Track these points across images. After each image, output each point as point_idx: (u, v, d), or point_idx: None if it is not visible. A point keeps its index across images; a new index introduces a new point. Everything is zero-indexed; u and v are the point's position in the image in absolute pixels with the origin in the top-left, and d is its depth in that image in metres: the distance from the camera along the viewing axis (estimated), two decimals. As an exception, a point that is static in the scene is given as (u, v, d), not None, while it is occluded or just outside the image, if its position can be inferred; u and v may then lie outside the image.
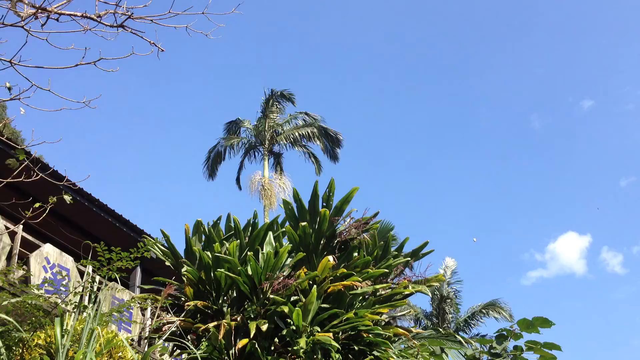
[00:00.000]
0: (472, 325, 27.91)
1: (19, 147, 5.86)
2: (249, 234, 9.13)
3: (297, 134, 26.23)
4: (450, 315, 27.46)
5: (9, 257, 11.54)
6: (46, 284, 7.69)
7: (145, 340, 12.57)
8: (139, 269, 15.83)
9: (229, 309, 8.25)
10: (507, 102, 64.09)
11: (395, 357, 8.03)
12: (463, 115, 66.40)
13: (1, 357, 4.80)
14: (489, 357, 6.07)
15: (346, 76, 66.55)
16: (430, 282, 9.34)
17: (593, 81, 62.41)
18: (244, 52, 66.86)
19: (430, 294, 9.54)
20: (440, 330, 13.18)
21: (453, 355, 10.20)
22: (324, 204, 9.11)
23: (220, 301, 8.41)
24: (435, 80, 66.01)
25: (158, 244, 9.13)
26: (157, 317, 8.93)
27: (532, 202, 64.95)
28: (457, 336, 11.81)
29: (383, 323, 9.09)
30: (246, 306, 8.14)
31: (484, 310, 27.85)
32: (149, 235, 15.38)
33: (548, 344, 5.59)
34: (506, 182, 63.81)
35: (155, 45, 5.42)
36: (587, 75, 62.47)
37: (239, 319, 7.89)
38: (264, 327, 7.52)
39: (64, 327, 4.68)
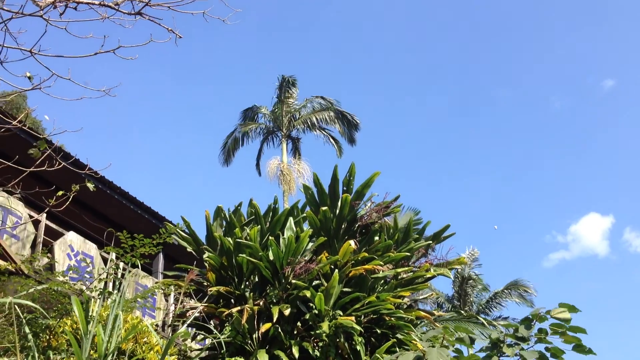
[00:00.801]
0: (494, 308, 27.83)
1: (41, 137, 5.90)
2: (269, 219, 9.16)
3: (314, 118, 26.14)
4: (471, 298, 27.37)
5: (34, 246, 11.69)
6: (71, 271, 7.79)
7: (169, 326, 12.69)
8: (161, 255, 15.93)
9: (251, 293, 8.30)
10: (527, 84, 63.31)
11: (417, 340, 8.03)
12: (482, 97, 65.80)
13: (29, 343, 4.86)
14: (513, 341, 6.01)
15: (363, 59, 66.20)
16: (452, 264, 9.32)
17: (614, 61, 61.37)
18: (259, 37, 66.72)
19: (452, 276, 9.52)
20: (462, 312, 13.16)
21: (476, 337, 10.19)
22: (345, 189, 9.10)
23: (242, 286, 8.45)
24: (453, 62, 65.43)
25: (179, 231, 9.19)
26: (181, 303, 9.00)
27: (554, 184, 64.34)
28: (479, 318, 11.81)
29: (405, 306, 9.10)
30: (268, 291, 8.17)
31: (506, 291, 27.74)
32: (170, 222, 15.49)
33: (573, 327, 5.51)
34: (527, 163, 63.20)
35: (173, 32, 5.41)
36: (608, 55, 61.46)
37: (261, 303, 7.94)
38: (287, 312, 7.55)
39: (90, 314, 4.73)
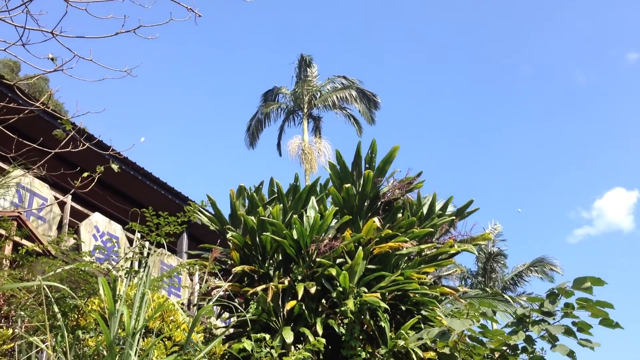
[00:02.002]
0: (518, 284, 27.71)
1: (65, 118, 5.93)
2: (291, 197, 9.16)
3: (335, 97, 26.02)
4: (496, 275, 27.27)
5: (60, 227, 11.84)
6: (97, 251, 7.87)
7: (195, 305, 12.83)
8: (185, 235, 16.07)
9: (276, 272, 8.33)
10: (550, 59, 62.31)
11: (442, 316, 8.02)
12: (505, 73, 64.92)
13: (58, 323, 4.93)
14: (539, 316, 5.96)
15: (385, 37, 65.62)
16: (476, 240, 9.26)
17: (637, 34, 60.00)
18: (279, 16, 66.40)
19: (476, 252, 9.46)
20: (487, 289, 13.12)
21: (501, 314, 10.16)
22: (367, 166, 9.06)
23: (266, 264, 8.49)
24: (475, 39, 64.54)
25: (203, 210, 9.23)
26: (205, 282, 9.08)
27: (578, 159, 63.57)
28: (504, 295, 11.77)
29: (429, 283, 9.07)
30: (292, 269, 8.20)
31: (531, 268, 27.61)
32: (194, 202, 15.58)
33: (600, 302, 5.45)
34: (551, 139, 62.45)
35: (192, 11, 5.38)
36: (632, 28, 60.09)
37: (286, 281, 7.97)
38: (313, 290, 7.58)
39: (117, 293, 4.77)
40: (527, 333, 6.21)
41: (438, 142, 66.67)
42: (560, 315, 6.07)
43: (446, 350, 7.22)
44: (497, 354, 6.91)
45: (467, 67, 63.05)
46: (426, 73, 65.21)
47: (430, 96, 65.12)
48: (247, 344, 6.82)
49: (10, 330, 5.00)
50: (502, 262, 27.74)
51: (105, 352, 4.44)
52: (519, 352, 6.66)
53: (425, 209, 9.13)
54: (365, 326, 7.73)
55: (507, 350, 6.75)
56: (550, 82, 62.08)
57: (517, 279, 28.18)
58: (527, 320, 6.22)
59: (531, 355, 6.47)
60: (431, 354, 7.63)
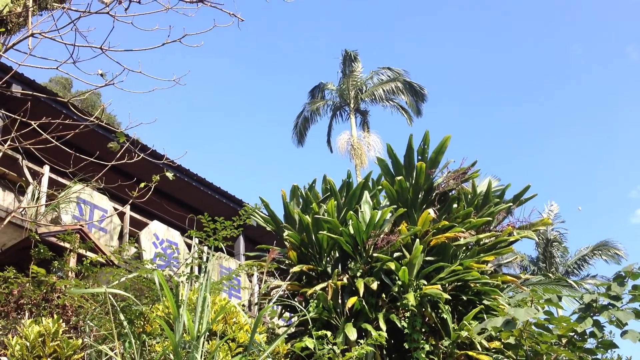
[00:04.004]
0: (582, 268, 26.99)
1: (119, 131, 6.08)
2: (344, 194, 9.15)
3: (381, 89, 25.83)
4: (557, 259, 26.63)
5: (121, 237, 12.15)
6: (158, 259, 8.04)
7: (256, 305, 12.97)
8: (242, 237, 16.26)
9: (334, 269, 8.34)
10: (601, 36, 60.42)
11: (505, 305, 7.88)
12: (555, 54, 63.33)
13: (125, 330, 5.06)
14: (606, 300, 5.78)
15: (431, 24, 64.90)
16: (535, 226, 9.07)
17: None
18: (320, 14, 66.44)
19: (536, 238, 9.24)
20: (550, 275, 12.82)
21: (566, 300, 9.91)
22: (419, 157, 8.97)
23: (323, 262, 8.51)
24: (522, 20, 63.14)
25: (258, 211, 9.32)
26: (264, 283, 9.17)
27: (636, 137, 61.43)
28: (567, 280, 11.47)
29: (490, 272, 8.93)
30: (350, 265, 8.19)
31: (595, 252, 26.86)
32: (248, 205, 15.76)
33: (670, 283, 5.25)
34: (607, 117, 60.58)
35: (235, 16, 5.43)
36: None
37: (344, 278, 7.97)
38: (374, 285, 7.56)
39: (180, 298, 4.86)
40: (595, 317, 6.04)
41: (489, 129, 65.58)
42: (628, 298, 5.89)
43: (511, 340, 7.10)
44: (564, 340, 6.76)
45: (514, 50, 61.79)
46: (472, 59, 64.18)
47: (477, 81, 64.10)
48: (309, 342, 6.86)
49: (80, 340, 5.15)
50: (562, 246, 27.06)
51: (172, 356, 4.54)
52: (587, 337, 6.50)
53: (481, 198, 8.98)
54: (427, 319, 7.67)
55: (575, 337, 6.59)
56: (602, 60, 60.24)
57: (581, 263, 27.46)
58: (595, 305, 6.05)
59: (600, 340, 6.30)
60: (496, 343, 7.51)
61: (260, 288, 10.44)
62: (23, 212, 9.77)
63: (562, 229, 27.40)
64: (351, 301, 7.56)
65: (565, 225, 28.05)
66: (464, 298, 8.11)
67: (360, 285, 7.49)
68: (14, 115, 5.85)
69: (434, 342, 7.63)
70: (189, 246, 13.13)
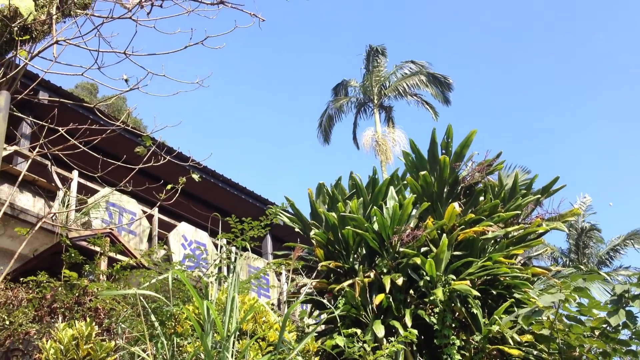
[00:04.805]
0: (615, 258, 26.58)
1: (145, 135, 6.15)
2: (370, 190, 9.13)
3: (404, 84, 25.70)
4: (589, 250, 26.26)
5: (150, 239, 12.29)
6: (187, 260, 8.12)
7: (285, 304, 13.02)
8: (269, 237, 16.35)
9: (361, 266, 8.33)
10: (625, 25, 59.36)
11: (536, 297, 7.79)
12: (578, 44, 62.41)
13: (156, 332, 5.11)
14: (639, 290, 5.70)
15: (453, 15, 64.42)
16: (565, 217, 8.95)
17: None
18: (340, 9, 66.34)
19: (566, 229, 9.12)
20: (581, 267, 12.65)
21: (597, 290, 9.77)
22: (443, 151, 8.92)
23: (350, 259, 8.51)
24: (545, 11, 62.35)
25: (284, 211, 9.35)
26: (292, 281, 9.19)
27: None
28: (599, 272, 11.29)
29: (519, 265, 8.84)
30: (377, 262, 8.18)
31: (627, 241, 26.40)
32: (274, 204, 15.81)
33: None
34: (634, 103, 59.49)
35: (256, 16, 5.45)
36: None
37: (371, 275, 7.95)
38: (400, 281, 7.53)
39: (209, 298, 4.90)
40: (628, 308, 5.96)
41: (516, 120, 64.89)
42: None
43: (543, 332, 7.03)
44: (597, 332, 6.67)
45: (537, 40, 61.01)
46: (496, 48, 63.55)
47: (501, 72, 63.45)
48: (339, 340, 6.86)
49: (113, 343, 5.22)
50: (595, 236, 26.64)
51: (203, 356, 4.57)
52: (620, 328, 6.41)
53: (508, 191, 8.89)
54: (457, 314, 7.62)
55: (608, 328, 6.50)
56: (626, 48, 59.20)
57: (613, 254, 27.02)
58: (627, 295, 5.96)
59: (633, 330, 6.21)
60: (528, 337, 7.43)
61: (288, 286, 10.48)
62: (54, 218, 9.93)
63: (594, 220, 27.01)
64: (378, 298, 7.54)
65: (597, 217, 27.64)
66: (494, 292, 8.04)
67: (387, 281, 7.47)
68: (42, 122, 5.95)
69: (464, 338, 7.57)
70: (217, 247, 13.23)
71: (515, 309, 7.64)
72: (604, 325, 6.45)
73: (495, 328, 7.28)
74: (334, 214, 8.45)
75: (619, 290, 5.93)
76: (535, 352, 7.42)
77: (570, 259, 26.31)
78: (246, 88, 66.43)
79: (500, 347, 7.28)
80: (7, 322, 6.83)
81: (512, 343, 7.27)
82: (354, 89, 27.46)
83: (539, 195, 8.99)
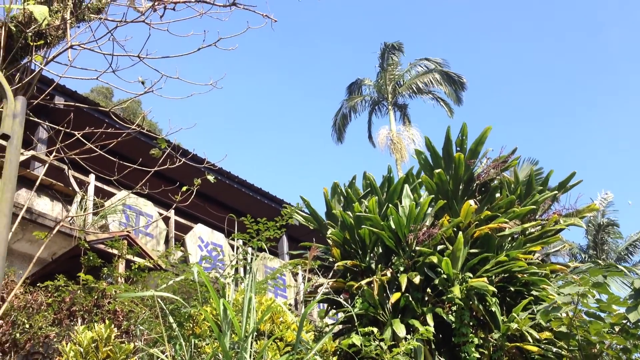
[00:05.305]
0: (634, 253, 26.34)
1: (160, 137, 6.18)
2: (386, 189, 9.11)
3: (418, 82, 25.60)
4: (608, 246, 26.04)
5: (167, 241, 12.36)
6: (204, 261, 8.15)
7: (302, 304, 13.03)
8: (285, 237, 16.37)
9: (377, 265, 8.31)
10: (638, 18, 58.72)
11: (554, 294, 7.73)
12: (593, 40, 61.88)
13: (175, 333, 5.14)
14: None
15: (468, 11, 64.14)
16: (582, 213, 8.87)
17: None
18: (353, 8, 66.28)
19: (584, 225, 9.03)
20: (600, 262, 12.54)
21: (616, 285, 9.67)
22: (458, 149, 8.88)
23: (367, 258, 8.49)
24: (561, 7, 61.89)
25: (299, 211, 9.35)
26: (309, 281, 9.19)
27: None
28: (618, 266, 11.17)
29: (537, 261, 8.77)
30: (394, 260, 8.16)
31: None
32: (289, 204, 15.84)
33: None
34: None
35: (268, 17, 5.47)
36: None
37: (388, 273, 7.94)
38: (416, 280, 7.51)
39: (227, 299, 4.91)
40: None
41: (530, 116, 64.45)
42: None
43: (562, 329, 6.97)
44: (617, 328, 6.61)
45: (553, 36, 60.54)
46: (512, 44, 63.16)
47: (516, 68, 63.04)
48: (356, 339, 6.85)
49: (132, 345, 5.25)
50: (614, 232, 26.41)
51: (221, 357, 4.59)
52: (640, 323, 6.34)
53: (523, 187, 8.83)
54: (475, 312, 7.58)
55: (628, 324, 6.44)
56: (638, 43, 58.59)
57: (632, 249, 26.78)
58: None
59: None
60: (547, 334, 7.38)
61: (304, 286, 10.48)
62: (71, 221, 10.01)
63: (615, 215, 26.78)
64: (395, 297, 7.52)
65: (618, 212, 27.40)
66: (512, 289, 7.99)
67: (403, 280, 7.45)
68: (58, 127, 6.00)
69: (482, 336, 7.53)
70: (232, 247, 13.27)
71: (534, 306, 7.60)
72: (624, 321, 6.39)
73: (513, 326, 7.24)
74: (349, 213, 8.45)
75: (638, 285, 5.88)
76: (554, 350, 7.37)
77: (589, 255, 26.11)
78: (260, 88, 66.59)
79: (519, 344, 7.23)
80: (27, 326, 6.90)
81: (531, 340, 7.22)
82: (368, 87, 27.43)
83: (556, 191, 8.92)
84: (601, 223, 25.86)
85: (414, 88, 25.99)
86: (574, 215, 8.80)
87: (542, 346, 7.30)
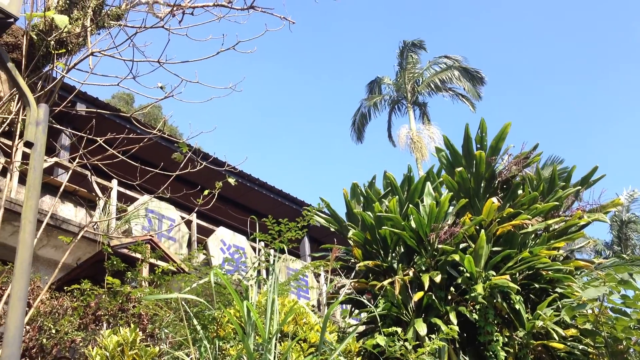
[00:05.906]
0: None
1: (181, 142, 6.23)
2: (406, 188, 9.08)
3: (437, 79, 25.49)
4: (633, 241, 25.72)
5: (189, 244, 12.45)
6: (226, 264, 8.19)
7: (325, 304, 13.04)
8: (306, 238, 16.39)
9: (399, 264, 8.29)
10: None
11: (579, 291, 7.65)
12: (615, 33, 61.11)
13: (199, 336, 5.17)
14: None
15: (488, 8, 63.73)
16: (606, 208, 8.76)
17: None
18: (371, 8, 66.18)
19: (608, 220, 8.92)
20: (624, 257, 12.38)
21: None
22: (478, 146, 8.82)
23: (389, 258, 8.47)
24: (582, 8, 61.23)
25: (320, 212, 9.36)
26: (331, 282, 9.19)
27: None
28: (644, 261, 11.03)
29: (561, 258, 8.68)
30: (415, 260, 8.13)
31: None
32: (309, 205, 15.86)
33: None
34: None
35: (286, 19, 5.49)
36: None
37: (410, 273, 7.91)
38: (438, 279, 7.47)
39: (250, 301, 4.93)
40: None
41: (551, 110, 63.83)
42: None
43: (588, 326, 6.90)
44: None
45: (574, 30, 59.92)
46: (533, 39, 62.59)
47: (537, 62, 62.47)
48: (380, 339, 6.83)
49: (157, 348, 5.29)
50: (638, 227, 26.09)
51: (246, 359, 4.61)
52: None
53: (546, 183, 8.75)
54: (499, 310, 7.53)
55: (656, 320, 6.36)
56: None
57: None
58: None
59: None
60: (572, 331, 7.31)
61: (327, 287, 10.48)
62: (95, 227, 10.11)
63: (639, 213, 26.45)
64: (417, 296, 7.50)
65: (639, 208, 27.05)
66: (536, 286, 7.91)
67: (426, 279, 7.42)
68: (80, 133, 6.07)
69: (507, 334, 7.48)
70: (254, 249, 13.32)
71: (559, 303, 7.53)
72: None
73: (539, 323, 7.17)
74: (370, 213, 8.43)
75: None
76: (580, 347, 7.29)
77: (614, 251, 25.80)
78: (279, 90, 66.77)
79: (545, 342, 7.17)
80: (54, 331, 6.98)
81: (556, 338, 7.15)
82: (387, 86, 27.35)
83: (579, 187, 8.83)
84: (625, 219, 25.55)
85: (433, 85, 25.88)
86: (598, 211, 8.70)
87: (568, 343, 7.23)
